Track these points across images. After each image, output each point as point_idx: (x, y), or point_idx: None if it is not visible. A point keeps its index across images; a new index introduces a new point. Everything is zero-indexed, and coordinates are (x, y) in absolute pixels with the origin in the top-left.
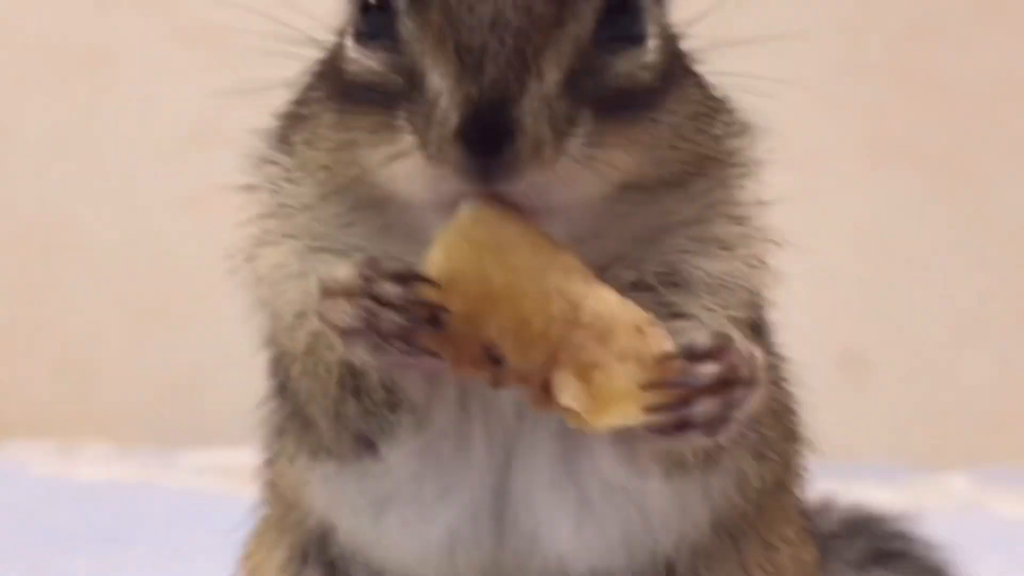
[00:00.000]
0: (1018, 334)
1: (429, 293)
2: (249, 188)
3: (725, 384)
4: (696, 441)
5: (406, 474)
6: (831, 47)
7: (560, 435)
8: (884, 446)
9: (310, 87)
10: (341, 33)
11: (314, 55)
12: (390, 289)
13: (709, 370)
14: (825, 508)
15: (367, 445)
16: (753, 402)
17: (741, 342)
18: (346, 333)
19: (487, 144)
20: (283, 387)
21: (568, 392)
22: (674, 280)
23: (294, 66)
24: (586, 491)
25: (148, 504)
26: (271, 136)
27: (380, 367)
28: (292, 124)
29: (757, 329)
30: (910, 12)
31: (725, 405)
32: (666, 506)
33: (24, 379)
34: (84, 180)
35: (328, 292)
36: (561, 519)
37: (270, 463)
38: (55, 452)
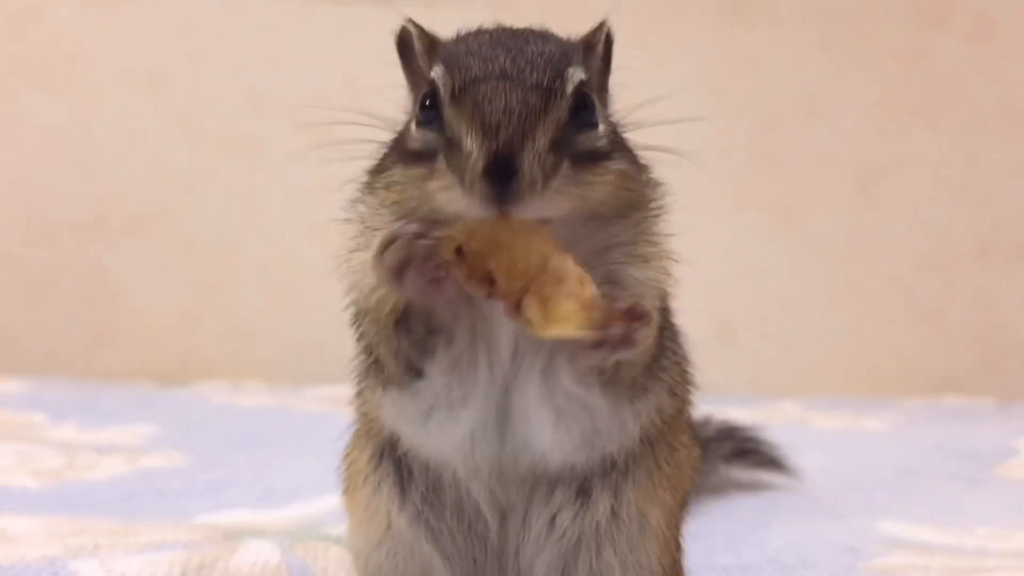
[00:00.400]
0: (827, 317)
1: (455, 234)
2: (347, 219)
3: (630, 317)
4: (611, 355)
5: (440, 385)
6: (712, 132)
7: (542, 371)
8: (744, 384)
9: (385, 155)
10: (406, 120)
11: (385, 135)
12: (430, 229)
13: (621, 305)
14: (706, 423)
15: (416, 372)
16: (647, 333)
17: (644, 302)
18: (395, 271)
19: (502, 181)
20: (365, 343)
21: (531, 309)
22: (613, 280)
23: (372, 143)
24: (559, 410)
25: (285, 421)
26: (361, 186)
27: (418, 294)
28: (374, 177)
29: (664, 312)
30: (761, 110)
31: (628, 330)
32: (610, 423)
33: (207, 342)
34: (245, 217)
35: (386, 240)
36: (543, 428)
37: (359, 394)
38: (227, 389)
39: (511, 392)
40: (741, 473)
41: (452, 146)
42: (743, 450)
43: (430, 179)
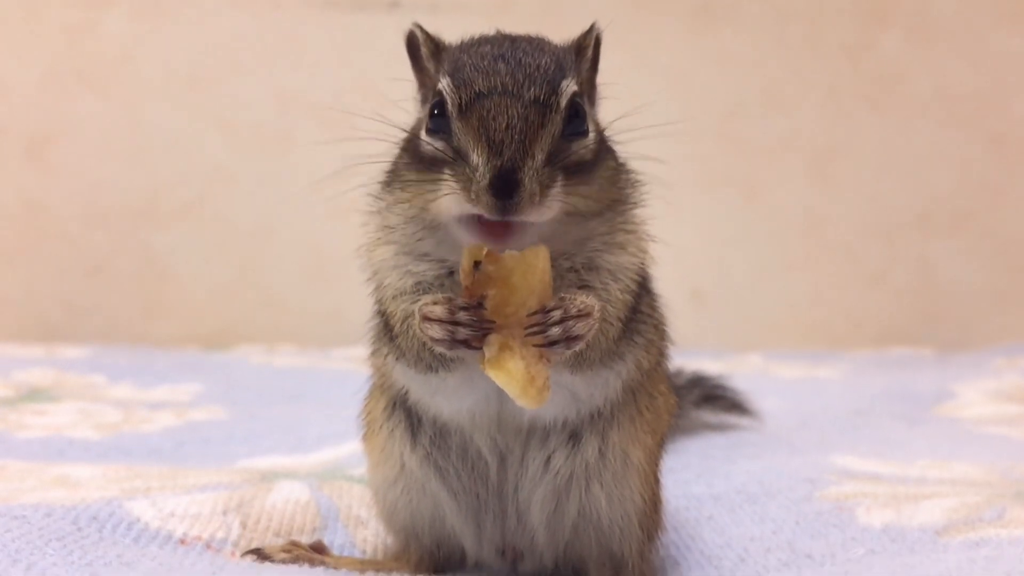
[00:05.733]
0: (785, 280)
1: (477, 251)
2: (368, 213)
3: (566, 319)
4: (564, 350)
5: (453, 383)
6: (683, 121)
7: None
8: (714, 340)
9: (400, 155)
10: (418, 122)
11: (400, 134)
12: (464, 317)
13: (555, 314)
14: (679, 373)
15: (434, 370)
16: (590, 324)
17: (578, 297)
18: (436, 341)
19: (505, 193)
20: (384, 320)
21: (490, 346)
22: (590, 267)
23: (391, 140)
24: None
25: (314, 378)
26: (380, 183)
27: (458, 354)
28: (391, 176)
29: (643, 285)
30: (726, 101)
31: (565, 328)
32: (589, 389)
33: (245, 312)
34: (277, 202)
35: (427, 317)
36: None
37: (374, 353)
38: (263, 352)
39: None
40: (710, 416)
41: (459, 157)
42: (711, 396)
43: (439, 188)
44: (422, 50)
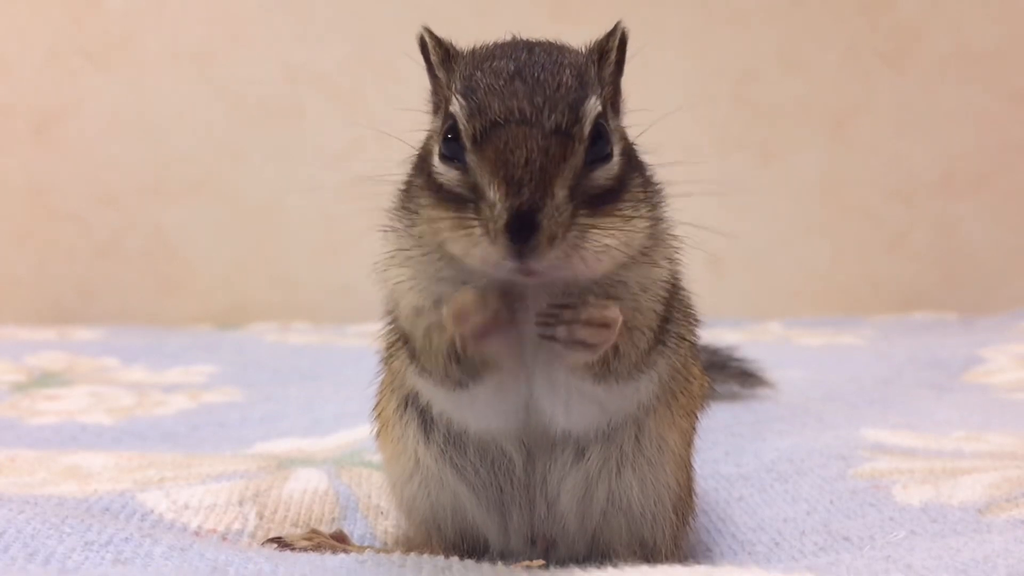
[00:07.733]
0: (805, 245)
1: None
2: (384, 230)
3: (574, 322)
4: (580, 353)
5: (483, 399)
6: (698, 85)
7: (549, 379)
8: (733, 308)
9: (413, 173)
10: (431, 139)
11: (415, 147)
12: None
13: (565, 314)
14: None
15: (462, 386)
16: (604, 336)
17: (603, 306)
18: (477, 335)
19: (523, 237)
20: (402, 334)
21: None
22: (619, 281)
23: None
24: (568, 399)
25: (329, 356)
26: (395, 199)
27: (494, 349)
28: (406, 194)
29: (674, 287)
30: (742, 63)
31: (571, 332)
32: (619, 403)
33: (257, 289)
34: (286, 176)
35: (459, 311)
36: (556, 415)
37: (388, 350)
38: (277, 330)
39: (532, 385)
40: (736, 388)
41: (475, 191)
42: (720, 364)
43: (464, 232)
44: (431, 57)
